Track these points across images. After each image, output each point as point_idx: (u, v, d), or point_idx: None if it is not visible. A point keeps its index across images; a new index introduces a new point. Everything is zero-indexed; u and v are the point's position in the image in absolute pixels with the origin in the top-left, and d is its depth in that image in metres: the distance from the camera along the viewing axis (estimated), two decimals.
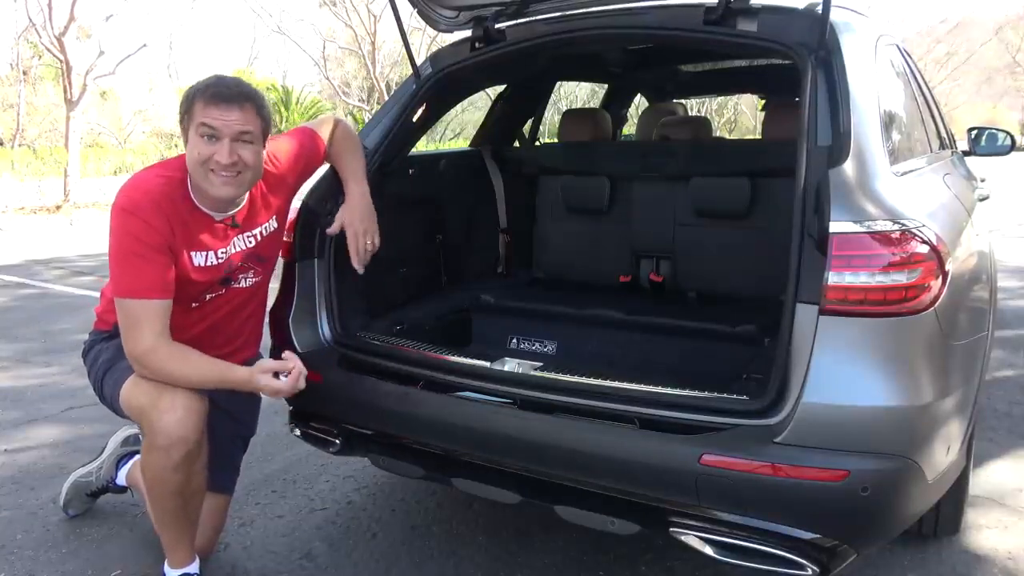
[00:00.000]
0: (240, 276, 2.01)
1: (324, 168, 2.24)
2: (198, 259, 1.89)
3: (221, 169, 1.79)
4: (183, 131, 1.85)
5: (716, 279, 2.76)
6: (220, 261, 1.93)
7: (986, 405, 3.17)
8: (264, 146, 1.89)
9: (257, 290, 2.08)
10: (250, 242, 2.00)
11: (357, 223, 2.12)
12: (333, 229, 2.13)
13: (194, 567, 2.01)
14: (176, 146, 19.67)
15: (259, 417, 2.27)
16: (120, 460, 2.41)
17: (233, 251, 1.96)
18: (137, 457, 2.41)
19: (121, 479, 2.39)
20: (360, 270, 2.14)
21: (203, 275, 1.91)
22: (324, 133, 2.16)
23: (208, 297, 1.96)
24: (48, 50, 13.78)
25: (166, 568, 2.00)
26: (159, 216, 1.79)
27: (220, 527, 2.19)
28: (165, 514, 1.93)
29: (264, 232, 2.03)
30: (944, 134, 3.07)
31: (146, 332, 1.78)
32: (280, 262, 2.19)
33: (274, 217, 2.05)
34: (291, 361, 1.87)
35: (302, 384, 1.87)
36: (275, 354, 2.14)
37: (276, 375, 1.85)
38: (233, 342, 2.06)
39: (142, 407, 1.81)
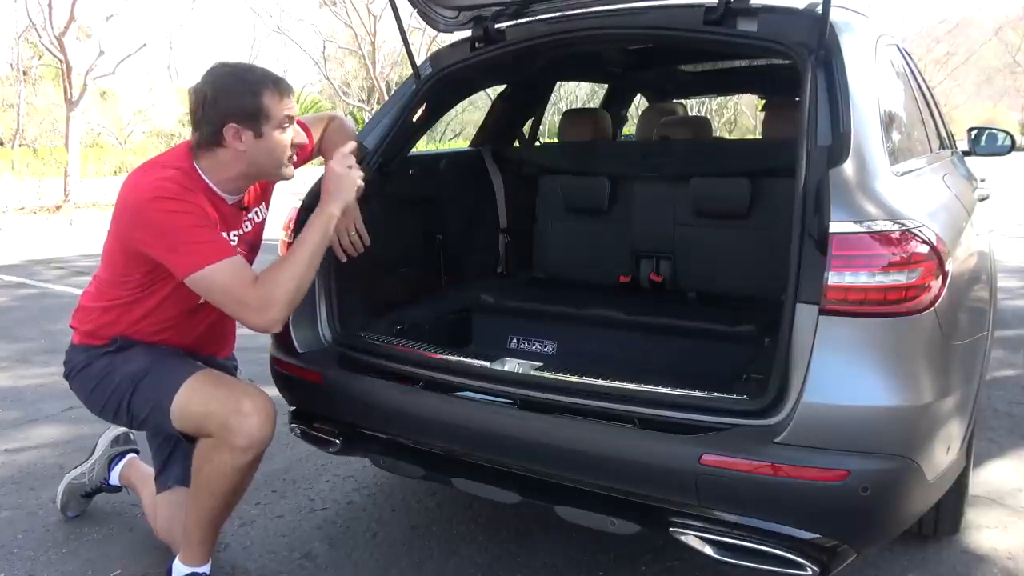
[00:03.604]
0: None
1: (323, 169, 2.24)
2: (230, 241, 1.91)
3: (293, 152, 1.89)
4: (246, 129, 1.79)
5: (716, 279, 2.75)
6: (236, 243, 1.95)
7: (986, 405, 3.17)
8: None
9: None
10: (247, 226, 2.01)
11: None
12: None
13: (207, 568, 2.01)
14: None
15: None
16: (112, 460, 2.41)
17: (239, 234, 1.98)
18: (129, 456, 2.42)
19: (114, 479, 2.40)
20: (343, 259, 2.09)
21: None
22: (316, 128, 2.16)
23: None
24: (48, 50, 13.80)
25: (176, 564, 2.00)
26: (197, 199, 1.79)
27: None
28: (209, 511, 1.93)
29: (257, 217, 2.05)
30: (944, 134, 3.07)
31: (248, 278, 1.76)
32: None
33: (263, 204, 2.08)
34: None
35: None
36: (275, 353, 2.15)
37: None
38: (221, 339, 2.09)
39: (212, 412, 1.82)
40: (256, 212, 2.05)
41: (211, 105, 1.78)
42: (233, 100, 1.78)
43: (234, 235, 1.94)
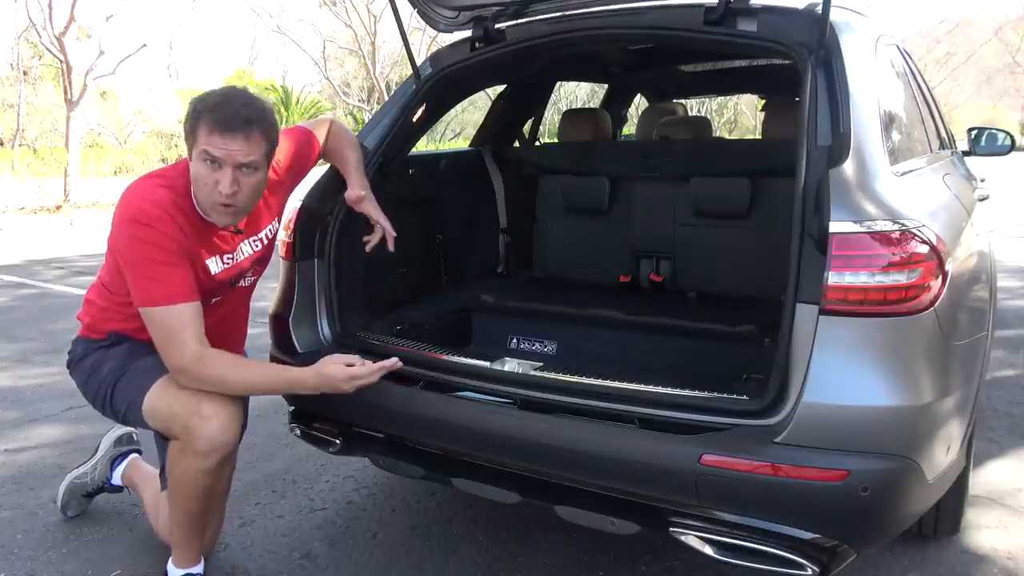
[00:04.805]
0: (245, 277, 2.03)
1: (323, 169, 2.24)
2: (213, 266, 1.91)
3: (222, 199, 1.77)
4: (188, 146, 1.81)
5: (716, 279, 2.75)
6: (229, 266, 1.95)
7: (986, 405, 3.17)
8: (269, 166, 1.87)
9: (252, 288, 2.11)
10: (257, 246, 2.02)
11: (381, 215, 2.15)
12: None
13: (199, 568, 2.01)
14: (176, 146, 19.68)
15: (259, 417, 2.27)
16: (114, 460, 2.41)
17: (241, 256, 1.98)
18: (132, 456, 2.42)
19: (116, 479, 2.40)
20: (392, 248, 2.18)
21: (215, 281, 1.92)
22: (320, 133, 2.17)
23: (214, 301, 1.97)
24: (48, 50, 13.80)
25: (170, 566, 2.00)
26: (173, 225, 1.79)
27: (219, 526, 2.19)
28: (184, 514, 1.93)
29: (269, 235, 2.05)
30: (944, 134, 3.07)
31: (189, 339, 1.77)
32: (280, 262, 2.20)
33: (276, 219, 2.07)
34: (359, 359, 1.87)
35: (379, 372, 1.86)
36: (276, 353, 2.15)
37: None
38: (227, 341, 2.07)
39: (176, 413, 1.81)
40: (269, 229, 2.04)
41: None
42: (187, 115, 1.80)
43: (227, 258, 1.94)
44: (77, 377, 2.06)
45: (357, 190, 2.13)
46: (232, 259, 1.95)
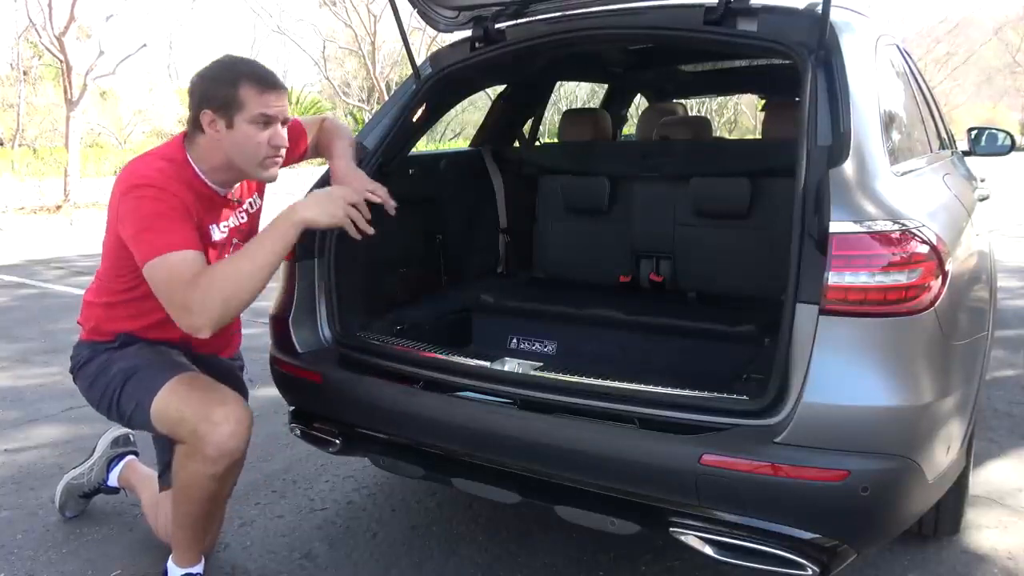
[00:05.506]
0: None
1: (323, 169, 2.24)
2: (216, 234, 1.91)
3: (275, 153, 1.84)
4: (219, 118, 1.79)
5: (716, 279, 2.75)
6: (224, 236, 1.95)
7: (986, 405, 3.17)
8: None
9: None
10: (242, 218, 2.02)
11: (360, 184, 2.01)
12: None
13: (199, 568, 2.01)
14: None
15: (259, 417, 2.26)
16: (111, 462, 2.41)
17: (231, 226, 1.99)
18: (129, 458, 2.42)
19: (113, 480, 2.39)
20: (391, 211, 2.03)
21: (216, 251, 1.92)
22: (311, 127, 2.18)
23: None
24: (48, 50, 13.80)
25: (170, 565, 2.00)
26: (177, 191, 1.79)
27: (219, 526, 2.19)
28: (188, 517, 1.93)
29: (251, 208, 2.06)
30: (944, 134, 3.07)
31: (187, 275, 1.69)
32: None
33: (256, 194, 2.09)
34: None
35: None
36: (276, 353, 2.15)
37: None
38: (225, 333, 2.07)
39: (185, 418, 1.80)
40: (251, 203, 2.06)
41: (194, 90, 1.83)
42: (211, 86, 1.80)
43: (223, 226, 1.95)
44: (81, 381, 2.03)
45: (339, 180, 2.03)
46: (226, 228, 1.97)
